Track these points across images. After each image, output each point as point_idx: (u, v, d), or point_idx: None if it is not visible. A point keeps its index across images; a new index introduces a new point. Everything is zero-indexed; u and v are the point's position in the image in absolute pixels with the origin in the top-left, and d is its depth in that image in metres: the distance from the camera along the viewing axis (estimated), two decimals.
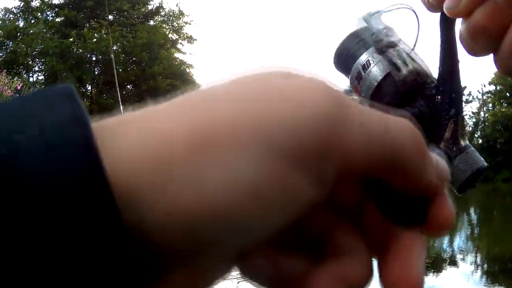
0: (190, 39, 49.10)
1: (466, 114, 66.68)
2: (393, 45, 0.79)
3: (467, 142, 0.76)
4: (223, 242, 0.30)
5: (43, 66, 36.70)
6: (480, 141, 59.68)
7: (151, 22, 46.76)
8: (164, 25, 47.82)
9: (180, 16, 48.76)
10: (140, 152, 0.27)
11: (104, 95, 38.94)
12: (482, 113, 62.83)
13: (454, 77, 0.74)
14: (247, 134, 0.28)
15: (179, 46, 48.54)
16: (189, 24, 48.97)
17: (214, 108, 0.29)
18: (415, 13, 0.84)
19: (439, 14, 0.69)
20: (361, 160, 0.32)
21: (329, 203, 0.35)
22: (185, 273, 0.31)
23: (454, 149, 0.74)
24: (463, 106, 0.75)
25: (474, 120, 64.14)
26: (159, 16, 48.33)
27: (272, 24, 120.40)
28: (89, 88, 40.68)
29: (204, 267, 0.31)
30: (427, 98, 0.76)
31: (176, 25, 48.72)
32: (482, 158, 0.75)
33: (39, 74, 38.88)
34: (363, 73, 0.79)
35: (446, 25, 0.70)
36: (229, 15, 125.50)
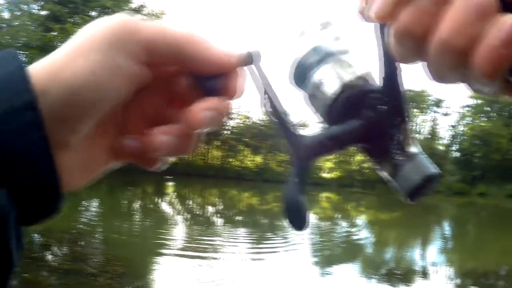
0: None
1: (444, 127, 67.78)
2: (333, 58, 0.83)
3: (418, 149, 0.77)
4: (89, 106, 0.53)
5: (25, 59, 36.98)
6: (457, 154, 60.48)
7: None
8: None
9: (161, 15, 49.25)
10: (46, 63, 0.55)
11: None
12: (460, 127, 63.74)
13: (395, 86, 0.76)
14: (92, 43, 0.55)
15: None
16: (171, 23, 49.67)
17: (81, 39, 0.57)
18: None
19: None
20: (161, 45, 0.56)
21: (161, 88, 0.66)
22: (77, 140, 0.54)
23: (402, 157, 0.75)
24: (408, 114, 0.78)
25: (451, 133, 65.03)
26: (141, 15, 48.58)
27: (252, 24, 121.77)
28: None
29: (83, 133, 0.55)
30: (372, 107, 0.77)
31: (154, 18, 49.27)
32: (433, 165, 0.77)
33: None
34: (316, 92, 0.82)
35: (381, 32, 0.70)
36: (207, 14, 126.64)
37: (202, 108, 0.62)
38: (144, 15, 49.36)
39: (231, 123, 65.74)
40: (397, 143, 0.75)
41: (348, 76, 0.79)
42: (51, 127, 0.50)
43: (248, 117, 66.62)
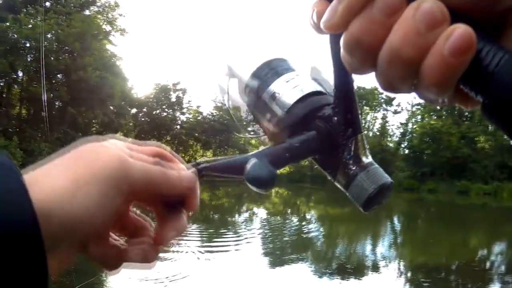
0: (122, 32, 49.05)
1: (394, 125, 68.55)
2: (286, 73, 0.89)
3: (370, 159, 0.79)
4: (79, 231, 0.57)
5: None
6: (407, 151, 61.52)
7: (87, 12, 46.11)
8: (99, 16, 47.45)
9: (115, 7, 48.64)
10: (50, 188, 0.55)
11: (35, 83, 38.26)
12: (410, 124, 64.86)
13: (347, 97, 0.77)
14: (90, 176, 0.58)
15: (111, 38, 48.48)
16: (123, 16, 48.89)
17: (81, 166, 0.59)
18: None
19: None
20: (140, 183, 0.64)
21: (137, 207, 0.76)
22: (62, 250, 0.56)
23: (355, 167, 0.78)
24: (361, 125, 0.80)
25: (401, 130, 66.10)
26: (95, 7, 47.99)
27: (200, 23, 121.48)
28: (21, 74, 40.01)
29: (70, 247, 0.58)
30: (324, 120, 0.80)
31: (111, 16, 48.57)
32: (386, 175, 0.79)
33: None
34: (271, 104, 0.87)
35: (334, 43, 0.69)
36: (161, 12, 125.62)
37: (172, 228, 0.71)
38: (98, 7, 48.89)
39: (182, 117, 65.66)
40: (350, 153, 0.78)
41: (302, 89, 0.84)
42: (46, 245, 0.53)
43: (199, 112, 66.44)
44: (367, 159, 0.79)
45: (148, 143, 0.75)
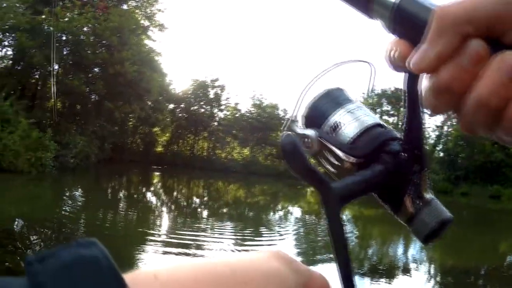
0: (161, 27, 49.13)
1: (430, 127, 68.30)
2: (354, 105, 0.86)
3: (432, 195, 0.79)
4: None
5: (12, 41, 36.16)
6: (442, 154, 60.77)
7: (125, 6, 46.23)
8: (137, 11, 47.60)
9: (154, 2, 48.64)
10: None
11: (71, 76, 38.37)
12: (445, 127, 64.10)
13: (418, 135, 0.78)
14: None
15: (149, 33, 48.56)
16: (162, 11, 48.94)
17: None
18: (373, 68, 0.92)
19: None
20: None
21: None
22: None
23: (419, 202, 0.77)
24: (428, 161, 0.79)
25: (437, 133, 65.37)
26: (133, 1, 48.15)
27: (241, 20, 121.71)
28: (57, 67, 40.17)
29: None
30: (392, 155, 0.79)
31: (149, 11, 48.61)
32: (446, 210, 0.79)
33: (8, 49, 38.40)
34: (332, 133, 0.84)
35: (411, 83, 0.71)
36: (201, 8, 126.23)
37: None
38: (137, 2, 48.96)
39: (220, 114, 65.65)
40: (415, 189, 0.78)
41: (367, 121, 0.84)
42: None
43: (237, 109, 66.30)
44: (429, 194, 0.80)
45: None
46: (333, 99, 0.90)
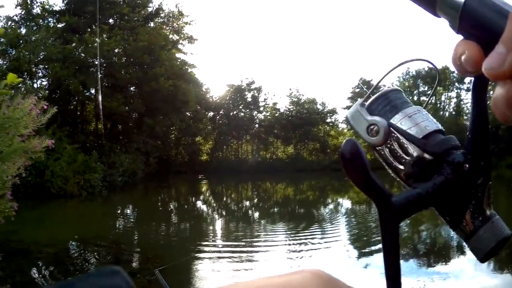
0: (190, 39, 49.71)
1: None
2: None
3: (492, 210, 0.76)
4: None
5: (46, 72, 37.25)
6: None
7: (151, 24, 47.05)
8: (164, 26, 48.28)
9: (180, 16, 49.29)
10: None
11: (108, 98, 39.41)
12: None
13: (484, 144, 0.74)
14: None
15: (180, 46, 49.23)
16: (189, 24, 49.51)
17: None
18: (435, 66, 0.97)
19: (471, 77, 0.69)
20: None
21: None
22: None
23: (480, 218, 0.75)
24: (491, 173, 0.76)
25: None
26: (159, 18, 48.92)
27: (269, 19, 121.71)
28: (93, 91, 41.26)
29: None
30: (455, 166, 0.76)
31: (176, 26, 49.28)
32: (506, 226, 0.76)
33: (43, 80, 39.45)
34: (402, 126, 0.83)
35: (479, 88, 0.69)
36: (227, 13, 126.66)
37: None
38: (163, 18, 49.77)
39: (260, 116, 65.94)
40: (477, 204, 0.75)
41: (425, 127, 0.81)
42: None
43: (275, 109, 66.45)
44: (491, 210, 0.77)
45: None
46: (391, 102, 0.88)
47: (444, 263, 11.97)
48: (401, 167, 0.81)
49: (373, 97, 0.90)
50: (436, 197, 0.75)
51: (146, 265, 11.19)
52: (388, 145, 0.83)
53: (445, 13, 0.64)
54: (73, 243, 13.95)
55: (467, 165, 0.74)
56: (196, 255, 12.57)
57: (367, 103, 0.90)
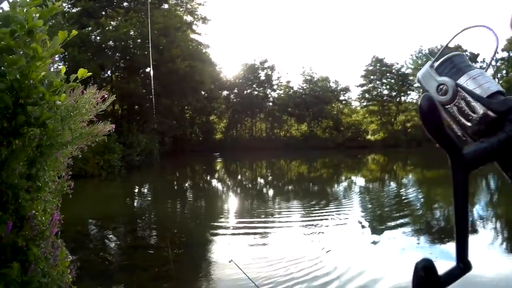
0: (204, 20, 50.08)
1: (492, 36, 66.42)
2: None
3: None
4: None
5: (64, 57, 37.82)
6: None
7: (166, 6, 47.35)
8: (178, 8, 48.69)
9: (200, 4, 49.77)
10: None
11: (125, 79, 40.01)
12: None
13: None
14: None
15: (194, 27, 49.69)
16: (203, 5, 49.78)
17: None
18: (495, 34, 0.96)
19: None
20: None
21: None
22: None
23: None
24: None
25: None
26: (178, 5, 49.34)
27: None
28: (109, 73, 42.02)
29: None
30: None
31: (190, 7, 49.59)
32: None
33: (60, 64, 39.48)
34: (460, 101, 0.89)
35: None
36: None
37: None
38: (180, 5, 50.14)
39: (273, 94, 66.32)
40: None
41: (488, 87, 0.89)
42: None
43: (289, 87, 66.86)
44: None
45: None
46: (456, 65, 0.94)
47: None
48: (469, 124, 0.89)
49: (440, 60, 0.97)
50: (500, 151, 0.82)
51: (173, 239, 11.67)
52: (456, 104, 0.91)
53: None
54: (100, 221, 14.42)
55: None
56: (216, 231, 12.93)
57: (435, 64, 0.97)
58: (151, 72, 39.22)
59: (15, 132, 2.87)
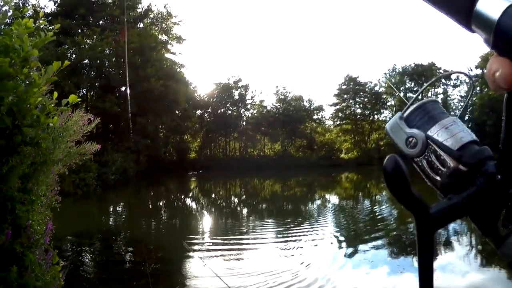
0: (179, 39, 50.46)
1: (455, 98, 68.08)
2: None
3: None
4: None
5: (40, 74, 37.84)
6: (470, 124, 60.84)
7: (141, 25, 47.87)
8: (153, 27, 49.08)
9: (168, 17, 50.16)
10: None
11: (100, 98, 40.07)
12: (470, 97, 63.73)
13: None
14: None
15: (169, 47, 50.00)
16: (177, 24, 50.39)
17: None
18: (471, 78, 0.99)
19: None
20: None
21: None
22: None
23: (510, 226, 0.76)
24: None
25: (462, 104, 64.93)
26: (148, 19, 49.68)
27: (256, 17, 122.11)
28: (85, 92, 42.05)
29: None
30: (487, 176, 0.79)
31: (165, 26, 49.99)
32: None
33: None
34: (438, 139, 0.86)
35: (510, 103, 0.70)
36: (214, 13, 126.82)
37: None
38: (151, 18, 50.51)
39: (247, 113, 66.85)
40: (509, 213, 0.78)
41: (461, 138, 0.86)
42: None
43: (263, 106, 67.45)
44: None
45: None
46: (428, 113, 0.91)
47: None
48: (438, 178, 0.87)
49: (411, 109, 0.94)
50: (470, 206, 0.80)
51: (150, 255, 11.92)
52: (426, 157, 0.88)
53: (479, 29, 0.68)
54: (75, 237, 14.48)
55: (499, 176, 0.78)
56: (191, 247, 13.02)
57: (405, 115, 0.94)
58: (128, 91, 39.37)
59: (12, 150, 3.21)
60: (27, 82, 3.24)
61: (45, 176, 3.77)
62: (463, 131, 0.87)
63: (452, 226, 15.02)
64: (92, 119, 4.11)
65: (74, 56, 39.04)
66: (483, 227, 0.80)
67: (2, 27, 3.21)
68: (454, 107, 65.25)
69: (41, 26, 3.52)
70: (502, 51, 0.65)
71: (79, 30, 41.29)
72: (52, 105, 3.48)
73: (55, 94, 3.56)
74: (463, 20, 0.69)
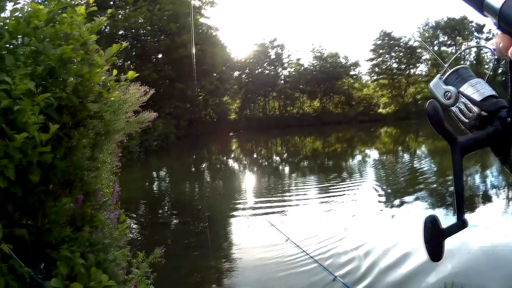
0: (212, 3, 50.34)
1: (488, 51, 66.26)
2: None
3: None
4: None
5: None
6: (503, 78, 59.75)
7: None
8: None
9: None
10: None
11: (136, 67, 40.26)
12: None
13: None
14: None
15: (203, 11, 49.82)
16: None
17: None
18: (494, 54, 1.07)
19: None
20: None
21: None
22: None
23: None
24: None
25: (496, 57, 63.65)
26: None
27: None
28: (121, 61, 42.13)
29: None
30: (501, 119, 1.06)
31: None
32: None
33: None
34: (467, 93, 1.15)
35: None
36: None
37: None
38: None
39: (284, 72, 66.69)
40: None
41: (483, 93, 1.15)
42: None
43: (299, 65, 67.23)
44: None
45: None
46: (461, 75, 1.19)
47: None
48: (466, 120, 1.15)
49: (448, 72, 1.21)
50: (489, 140, 1.07)
51: (198, 215, 12.46)
52: (458, 106, 1.16)
53: (489, 14, 0.88)
54: (129, 204, 14.58)
55: (509, 119, 1.05)
56: (236, 206, 13.51)
57: (444, 77, 1.20)
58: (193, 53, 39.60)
59: (76, 125, 3.64)
60: (89, 63, 3.61)
61: (109, 145, 4.21)
62: (485, 88, 1.15)
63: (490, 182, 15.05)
64: (148, 90, 4.41)
65: (108, 28, 39.42)
66: (501, 157, 1.07)
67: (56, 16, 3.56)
68: (487, 60, 63.87)
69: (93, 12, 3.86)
70: (504, 31, 0.87)
71: (111, 3, 41.57)
72: (112, 81, 3.84)
73: (114, 72, 3.90)
74: (477, 8, 0.91)
